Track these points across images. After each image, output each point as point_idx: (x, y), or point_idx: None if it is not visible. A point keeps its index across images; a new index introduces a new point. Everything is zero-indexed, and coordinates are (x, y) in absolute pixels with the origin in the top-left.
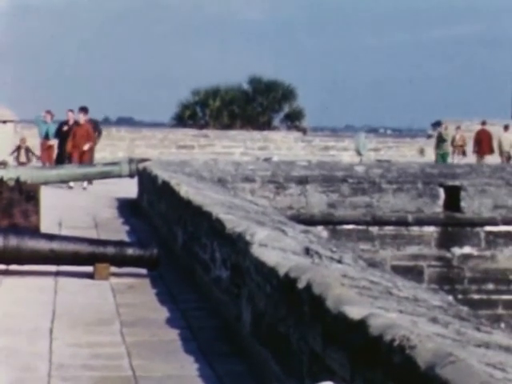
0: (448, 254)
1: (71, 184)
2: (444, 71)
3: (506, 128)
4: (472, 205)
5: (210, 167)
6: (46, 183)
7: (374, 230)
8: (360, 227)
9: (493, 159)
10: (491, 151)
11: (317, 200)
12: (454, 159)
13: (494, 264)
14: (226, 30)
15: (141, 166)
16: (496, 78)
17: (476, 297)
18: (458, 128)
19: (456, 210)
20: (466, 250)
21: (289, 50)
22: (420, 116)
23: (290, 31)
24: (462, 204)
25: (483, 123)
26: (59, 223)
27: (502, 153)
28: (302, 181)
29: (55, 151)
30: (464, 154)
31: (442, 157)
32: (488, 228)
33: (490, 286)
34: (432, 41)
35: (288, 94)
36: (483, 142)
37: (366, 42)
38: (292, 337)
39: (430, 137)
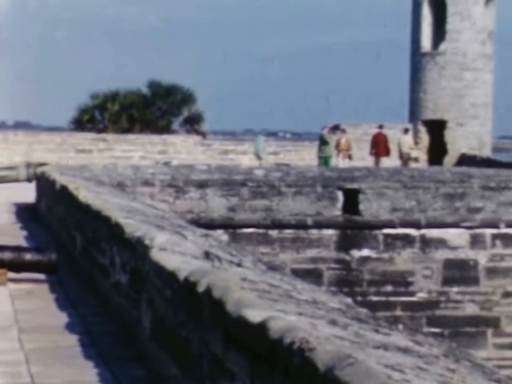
0: (347, 257)
1: None
2: (342, 75)
3: (406, 131)
4: (370, 208)
5: (109, 171)
6: None
7: (274, 233)
8: (260, 231)
9: (390, 162)
10: (387, 153)
11: (217, 204)
12: (339, 163)
13: (392, 266)
14: (125, 35)
15: (39, 170)
16: (394, 84)
17: (375, 299)
18: (344, 131)
19: (355, 212)
20: (365, 252)
21: (188, 54)
22: (319, 120)
23: (190, 36)
24: (361, 207)
25: (380, 127)
26: None
27: (401, 155)
28: (202, 185)
29: None
30: (350, 157)
31: (324, 160)
32: (386, 231)
33: (389, 288)
34: (328, 45)
35: (187, 98)
36: (380, 145)
37: (265, 46)
38: (192, 341)
39: (328, 140)
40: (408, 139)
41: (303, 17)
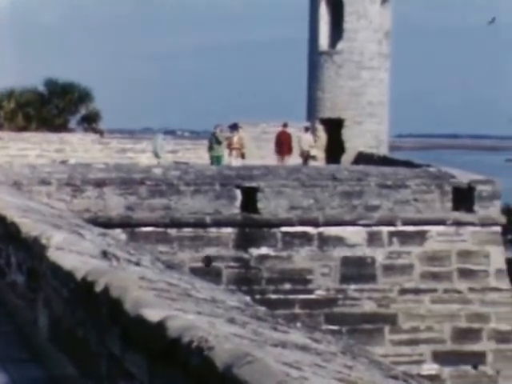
0: (245, 255)
1: None
2: (242, 74)
3: (307, 129)
4: (268, 206)
5: (5, 170)
6: None
7: (173, 232)
8: (158, 229)
9: (293, 160)
10: (291, 152)
11: (115, 203)
12: (232, 162)
13: (290, 264)
14: (21, 32)
15: None
16: (293, 82)
17: (273, 297)
18: (236, 130)
19: (253, 211)
20: (263, 250)
21: (87, 53)
22: (218, 119)
23: (88, 35)
24: (259, 205)
25: (284, 125)
26: None
27: (302, 153)
28: (100, 183)
29: None
30: (243, 156)
31: (216, 159)
32: (284, 229)
33: (287, 286)
34: (229, 44)
35: (84, 97)
36: (284, 144)
37: (166, 44)
38: (90, 340)
39: (228, 138)
40: (308, 137)
41: (206, 15)
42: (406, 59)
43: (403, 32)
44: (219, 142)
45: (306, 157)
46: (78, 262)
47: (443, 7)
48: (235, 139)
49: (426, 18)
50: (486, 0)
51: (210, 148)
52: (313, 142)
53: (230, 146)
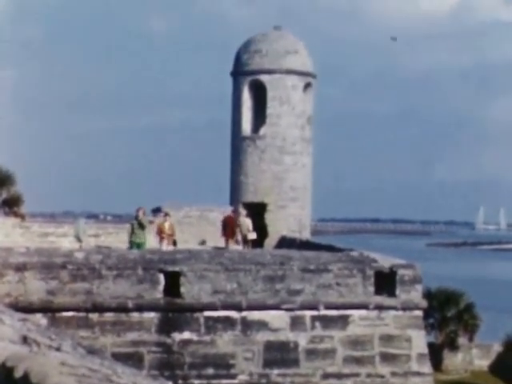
0: (168, 340)
1: None
2: (166, 157)
3: (247, 214)
4: (191, 290)
5: None
6: None
7: (94, 316)
8: (80, 314)
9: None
10: (234, 235)
11: (36, 287)
12: (163, 248)
13: (213, 349)
14: None
15: None
16: (217, 166)
17: (196, 382)
18: (167, 215)
19: (176, 295)
20: (186, 335)
21: (7, 134)
22: (141, 202)
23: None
24: (182, 289)
25: (234, 211)
26: None
27: (242, 236)
28: (20, 268)
29: None
30: (175, 244)
31: (137, 246)
32: (207, 313)
33: (210, 371)
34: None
35: (6, 180)
36: (229, 227)
37: (80, 124)
38: None
39: (150, 223)
40: (248, 222)
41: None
42: (330, 143)
43: (326, 116)
44: (142, 227)
45: (245, 240)
46: None
47: (365, 92)
48: (166, 225)
49: (350, 102)
50: (399, 89)
51: (132, 233)
52: (251, 227)
53: (160, 233)
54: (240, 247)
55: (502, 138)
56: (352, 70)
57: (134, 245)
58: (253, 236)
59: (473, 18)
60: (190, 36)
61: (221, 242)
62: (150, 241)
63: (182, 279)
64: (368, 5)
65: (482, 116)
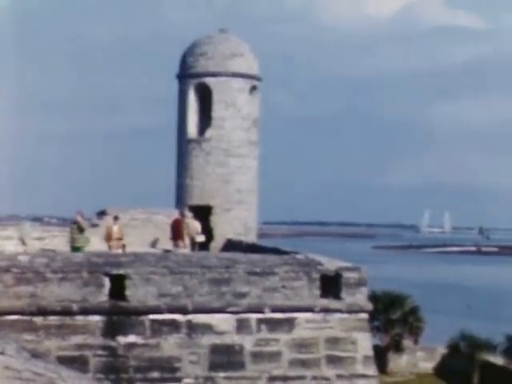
0: (113, 343)
1: None
2: (112, 161)
3: (195, 217)
4: (137, 293)
5: None
6: None
7: (39, 320)
8: (24, 318)
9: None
10: (182, 238)
11: None
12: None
13: (158, 352)
14: None
15: None
16: (163, 169)
17: None
18: (117, 218)
19: (121, 298)
20: (131, 338)
21: None
22: (86, 205)
23: None
24: (127, 292)
25: (181, 214)
26: None
27: (190, 238)
28: None
29: None
30: (123, 247)
31: (77, 250)
32: (153, 316)
33: (155, 375)
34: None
35: None
36: (178, 230)
37: (35, 127)
38: None
39: (95, 226)
40: (196, 224)
41: (70, 100)
42: (277, 147)
43: (273, 120)
44: (81, 231)
45: (193, 242)
46: None
47: (312, 95)
48: (115, 229)
49: (298, 105)
50: (344, 90)
51: (72, 238)
52: (199, 229)
53: (109, 237)
54: (188, 250)
55: (447, 142)
56: (298, 72)
57: (73, 249)
58: (201, 238)
59: (416, 22)
60: (135, 40)
61: (168, 245)
62: (95, 244)
63: (128, 282)
64: (314, 8)
65: (428, 120)
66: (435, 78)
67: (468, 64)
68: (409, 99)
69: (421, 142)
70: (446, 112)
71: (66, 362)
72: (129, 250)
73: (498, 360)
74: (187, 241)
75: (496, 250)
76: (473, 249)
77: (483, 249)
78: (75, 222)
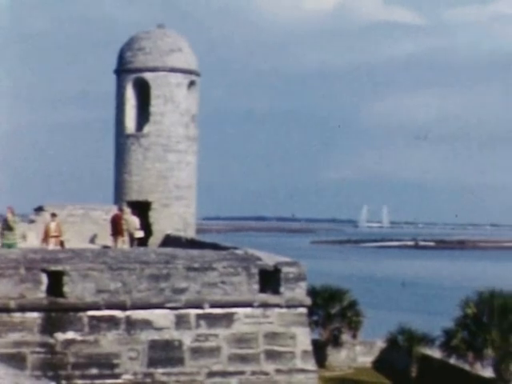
0: (51, 340)
1: None
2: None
3: (133, 212)
4: (75, 289)
5: None
6: None
7: None
8: None
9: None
10: (123, 234)
11: None
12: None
13: (97, 349)
14: None
15: None
16: (100, 165)
17: (80, 382)
18: (54, 215)
19: (59, 295)
20: (70, 335)
21: None
22: (21, 201)
23: None
24: (65, 289)
25: (120, 209)
26: None
27: (129, 234)
28: None
29: None
30: (62, 244)
31: (8, 247)
32: (91, 313)
33: (94, 371)
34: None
35: None
36: (118, 225)
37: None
38: None
39: (32, 222)
40: (135, 220)
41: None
42: (216, 143)
43: (213, 116)
44: (11, 228)
45: (132, 238)
46: None
47: (250, 91)
48: (52, 226)
49: (235, 101)
50: (284, 88)
51: (1, 235)
52: (138, 225)
53: (46, 234)
54: (127, 246)
55: (384, 137)
56: (237, 68)
57: (4, 246)
58: (140, 234)
59: (355, 17)
60: (73, 35)
61: (107, 241)
62: (33, 240)
63: (65, 278)
64: (252, 3)
65: (365, 115)
66: (374, 74)
67: (404, 59)
68: (349, 94)
69: (359, 137)
70: (384, 107)
71: (3, 359)
72: (67, 246)
73: (435, 353)
74: (126, 237)
75: (433, 244)
76: (411, 243)
77: (421, 243)
78: (5, 219)
